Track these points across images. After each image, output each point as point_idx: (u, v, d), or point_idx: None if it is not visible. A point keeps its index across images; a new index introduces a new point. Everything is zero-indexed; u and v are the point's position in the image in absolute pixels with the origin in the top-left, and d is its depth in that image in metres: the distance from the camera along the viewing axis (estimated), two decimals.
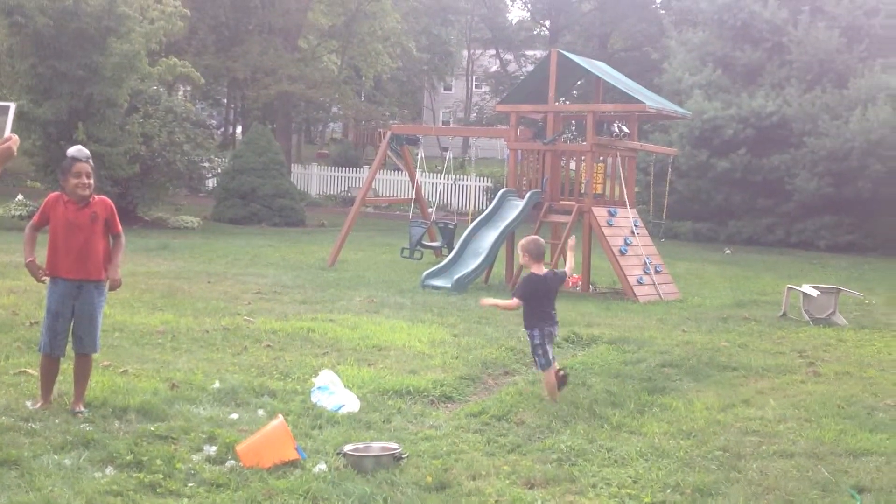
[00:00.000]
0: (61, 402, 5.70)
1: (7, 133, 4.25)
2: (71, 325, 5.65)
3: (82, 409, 5.55)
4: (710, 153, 24.73)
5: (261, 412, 5.85)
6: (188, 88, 39.29)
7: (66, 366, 5.92)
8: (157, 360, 7.16)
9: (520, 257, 6.95)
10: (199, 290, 11.32)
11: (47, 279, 5.65)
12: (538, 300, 6.64)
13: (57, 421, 5.30)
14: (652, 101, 13.99)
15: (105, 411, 5.56)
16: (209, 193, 28.23)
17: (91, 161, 5.64)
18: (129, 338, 7.91)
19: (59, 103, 19.61)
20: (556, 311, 6.78)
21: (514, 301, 6.70)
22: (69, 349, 5.70)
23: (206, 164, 24.37)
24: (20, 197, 21.86)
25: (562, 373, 6.68)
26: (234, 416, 5.72)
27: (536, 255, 6.71)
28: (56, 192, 5.75)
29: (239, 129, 45.71)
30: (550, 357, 6.62)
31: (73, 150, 5.64)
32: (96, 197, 5.69)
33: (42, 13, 19.20)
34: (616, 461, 5.25)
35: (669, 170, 17.90)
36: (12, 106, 4.39)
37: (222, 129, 47.52)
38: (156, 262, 14.01)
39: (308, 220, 25.36)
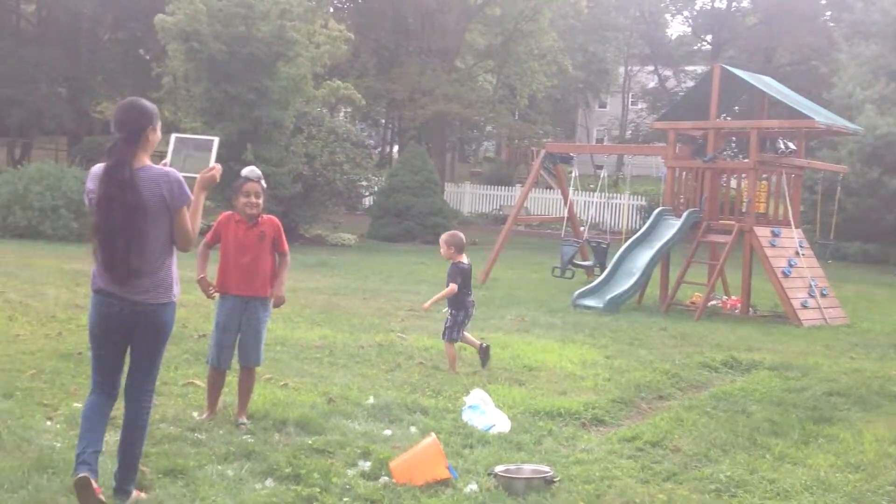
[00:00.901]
0: (226, 413, 5.94)
1: (211, 163, 4.50)
2: (237, 339, 5.88)
3: (245, 420, 5.77)
4: (882, 170, 23.50)
5: (413, 429, 5.93)
6: (349, 109, 40.50)
7: (231, 378, 6.18)
8: (315, 375, 7.37)
9: (442, 250, 8.09)
10: (354, 306, 11.61)
11: (216, 295, 5.91)
12: (465, 285, 7.92)
13: (221, 432, 5.53)
14: (821, 116, 13.42)
15: (266, 423, 5.75)
16: (366, 211, 28.95)
17: (262, 182, 5.87)
18: (289, 352, 8.18)
19: (230, 125, 20.59)
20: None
21: (453, 286, 7.79)
22: (234, 362, 5.93)
23: (364, 183, 25.01)
24: None
25: (485, 345, 8.06)
26: (388, 432, 5.81)
27: (459, 247, 7.99)
28: (228, 212, 6.02)
29: (395, 149, 46.69)
30: (462, 334, 7.94)
31: (245, 171, 5.89)
32: (265, 216, 5.91)
33: (216, 39, 20.26)
34: (779, 494, 5.02)
35: (838, 188, 17.11)
36: (216, 140, 4.67)
37: (379, 149, 48.69)
38: (315, 279, 14.45)
39: None
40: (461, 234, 8.15)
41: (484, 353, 8.03)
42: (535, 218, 28.13)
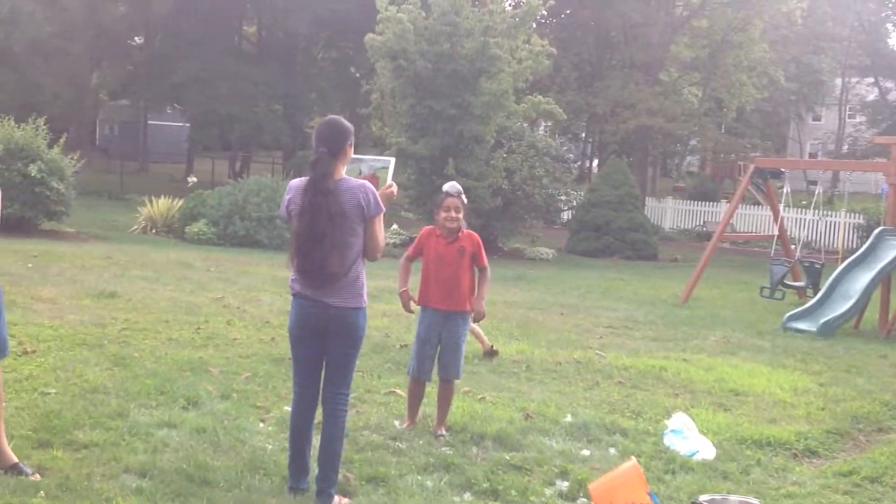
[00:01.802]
0: (425, 423, 6.03)
1: (389, 181, 4.74)
2: (437, 352, 5.97)
3: (444, 432, 5.84)
4: None
5: (612, 451, 5.80)
6: (549, 123, 40.53)
7: (431, 389, 6.27)
8: (513, 389, 7.37)
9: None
10: (552, 321, 11.54)
11: (416, 308, 6.03)
12: None
13: (420, 442, 5.62)
14: None
15: (464, 436, 5.80)
16: (564, 225, 28.82)
17: (463, 197, 5.94)
18: (487, 365, 8.23)
19: (432, 140, 21.07)
20: None
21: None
22: (434, 374, 6.02)
23: (563, 198, 24.90)
24: (395, 226, 23.73)
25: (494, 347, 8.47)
26: (586, 452, 5.72)
27: None
28: (430, 227, 6.14)
29: (595, 163, 46.30)
30: None
31: (447, 186, 5.99)
32: (465, 232, 5.98)
33: (422, 57, 20.81)
34: None
35: None
36: (392, 160, 4.97)
37: (579, 163, 48.42)
38: (512, 292, 14.49)
39: (661, 254, 25.01)
40: None
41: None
42: (741, 235, 27.05)
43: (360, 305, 4.50)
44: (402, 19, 20.94)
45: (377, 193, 4.47)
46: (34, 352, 7.01)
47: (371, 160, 5.12)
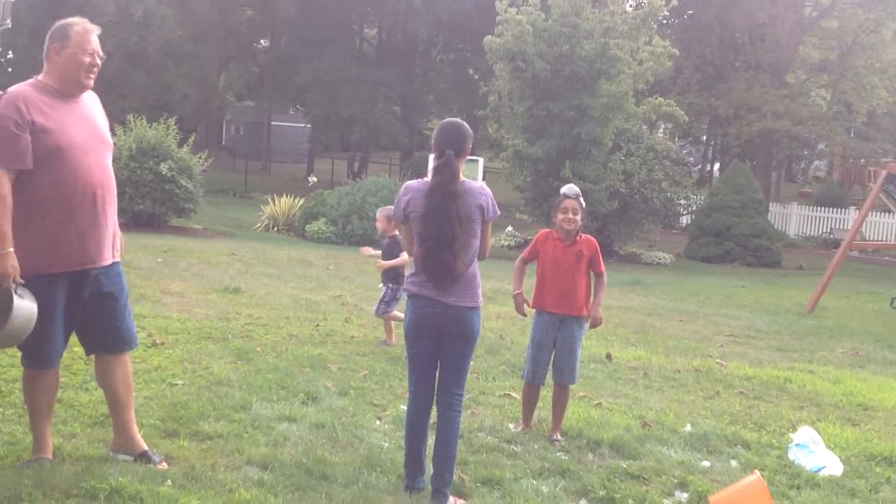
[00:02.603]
0: (540, 428, 5.98)
1: (479, 181, 4.75)
2: (552, 356, 5.92)
3: (559, 437, 5.78)
4: None
5: (734, 463, 5.64)
6: (668, 126, 39.78)
7: (546, 393, 6.23)
8: (630, 396, 7.25)
9: (381, 224, 8.07)
10: (670, 327, 11.31)
11: (530, 311, 6.00)
12: None
13: (536, 446, 5.58)
14: None
15: (580, 442, 5.73)
16: (682, 230, 28.24)
17: (581, 200, 5.87)
18: (603, 371, 8.12)
19: (549, 142, 20.95)
20: None
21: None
22: (549, 378, 5.97)
23: (682, 202, 24.40)
24: (510, 228, 23.71)
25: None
26: (706, 463, 5.57)
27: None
28: (546, 229, 6.09)
29: (717, 167, 45.20)
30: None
31: (565, 188, 5.93)
32: (583, 236, 5.91)
33: (540, 58, 20.72)
34: None
35: None
36: (480, 161, 4.97)
37: (699, 167, 47.35)
38: (629, 298, 14.28)
39: (785, 261, 24.22)
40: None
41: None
42: (871, 244, 26.00)
43: (476, 305, 4.52)
44: (521, 21, 20.90)
45: (492, 196, 4.53)
46: (163, 343, 7.28)
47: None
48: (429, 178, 4.52)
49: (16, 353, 5.78)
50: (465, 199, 4.36)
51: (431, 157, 4.93)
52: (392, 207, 7.90)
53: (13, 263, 4.00)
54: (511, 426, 5.98)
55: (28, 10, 32.34)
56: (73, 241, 4.20)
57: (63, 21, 4.33)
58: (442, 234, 4.33)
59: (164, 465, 4.48)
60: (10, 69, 36.02)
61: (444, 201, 4.33)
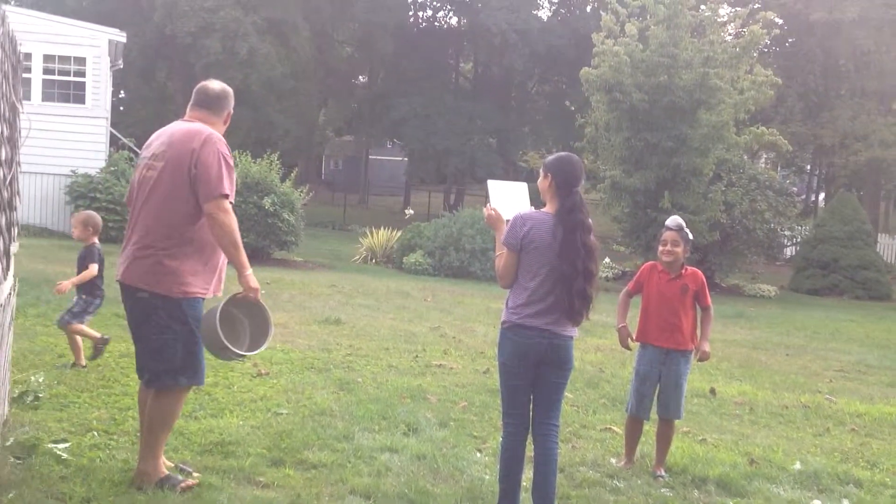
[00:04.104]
0: (643, 463, 5.88)
1: (527, 207, 4.73)
2: (656, 390, 5.83)
3: (663, 473, 5.67)
4: None
5: (845, 502, 5.44)
6: (770, 156, 38.89)
7: (649, 427, 6.12)
8: (735, 432, 7.07)
9: (77, 231, 7.39)
10: (776, 362, 11.00)
11: (633, 345, 5.92)
12: (100, 270, 7.28)
13: (639, 482, 5.48)
14: None
15: (684, 479, 5.61)
16: (786, 262, 27.49)
17: (684, 232, 5.80)
18: (707, 406, 7.94)
19: (647, 173, 20.73)
20: None
21: (94, 268, 7.22)
22: (653, 412, 5.87)
23: (787, 233, 23.79)
24: (607, 260, 23.47)
25: (105, 336, 7.34)
26: (817, 502, 5.38)
27: (96, 228, 7.34)
28: (651, 262, 6.02)
29: (822, 197, 43.96)
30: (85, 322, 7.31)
31: (669, 220, 5.88)
32: (688, 269, 5.83)
33: (638, 89, 20.57)
34: None
35: None
36: (524, 185, 4.95)
37: (803, 197, 46.11)
38: (732, 330, 13.95)
39: (895, 294, 23.32)
40: (97, 216, 7.53)
41: (102, 344, 7.27)
42: None
43: (574, 334, 4.55)
44: (619, 52, 20.80)
45: None
46: (267, 373, 7.43)
47: (510, 185, 5.04)
48: (547, 209, 4.53)
49: (129, 382, 6.00)
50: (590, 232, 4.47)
51: (491, 183, 4.90)
52: (90, 213, 7.77)
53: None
54: (613, 461, 5.90)
55: (139, 51, 33.79)
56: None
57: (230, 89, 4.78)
58: (587, 271, 4.41)
59: (186, 484, 4.50)
60: (121, 108, 37.64)
61: (586, 237, 4.42)
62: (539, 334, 4.43)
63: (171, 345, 4.42)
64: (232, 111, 4.76)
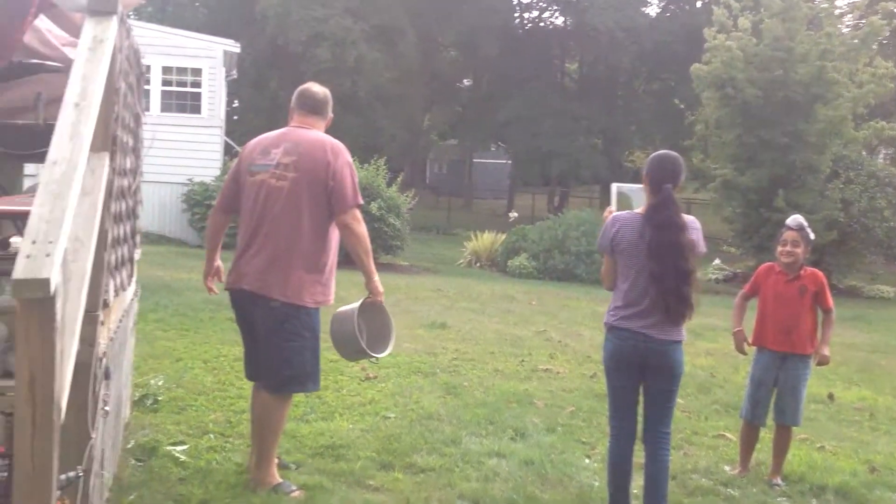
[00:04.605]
0: (757, 470, 5.72)
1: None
2: (772, 395, 5.66)
3: (780, 481, 5.50)
4: None
5: None
6: (890, 151, 37.34)
7: (765, 434, 5.95)
8: (855, 439, 6.81)
9: None
10: None
11: (749, 349, 5.76)
12: None
13: (754, 490, 5.33)
14: None
15: (802, 487, 5.44)
16: None
17: (805, 232, 5.62)
18: (825, 412, 7.69)
19: (760, 171, 20.19)
20: None
21: None
22: (770, 419, 5.70)
23: None
24: (717, 261, 22.94)
25: None
26: None
27: None
28: (768, 263, 5.86)
29: None
30: None
31: (789, 219, 5.72)
32: (808, 269, 5.65)
33: (751, 85, 20.08)
34: None
35: None
36: (640, 187, 4.77)
37: None
38: (851, 333, 13.46)
39: None
40: None
41: None
42: None
43: (680, 339, 4.40)
44: (731, 47, 20.36)
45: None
46: (375, 377, 7.53)
47: (633, 188, 4.93)
48: (639, 210, 4.47)
49: (243, 385, 6.15)
50: (688, 232, 4.31)
51: (614, 186, 4.85)
52: None
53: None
54: (727, 468, 5.75)
55: (252, 61, 34.73)
56: None
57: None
58: (679, 269, 4.26)
59: (297, 494, 4.56)
60: (235, 117, 38.73)
61: (675, 235, 4.28)
62: (633, 337, 4.36)
63: (300, 352, 4.51)
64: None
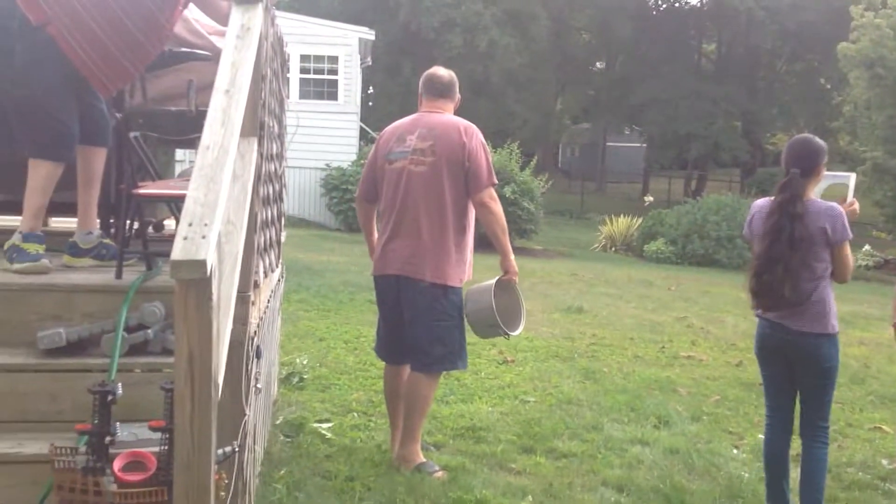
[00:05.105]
0: None
1: (849, 198, 4.45)
2: None
3: None
4: None
5: None
6: None
7: None
8: None
9: None
10: None
11: None
12: None
13: None
14: None
15: None
16: None
17: None
18: None
19: None
20: None
21: None
22: None
23: None
24: (867, 247, 21.88)
25: None
26: None
27: None
28: None
29: None
30: None
31: None
32: None
33: None
34: None
35: None
36: (852, 177, 4.64)
37: None
38: None
39: None
40: None
41: None
42: None
43: (823, 332, 4.18)
44: (881, 25, 19.37)
45: (846, 217, 4.17)
46: (513, 361, 7.50)
47: (834, 175, 4.70)
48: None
49: (383, 366, 6.23)
50: (805, 221, 4.09)
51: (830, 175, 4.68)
52: None
53: None
54: (884, 462, 5.47)
55: (385, 48, 35.18)
56: None
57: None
58: (769, 255, 4.13)
59: (440, 474, 4.53)
60: (370, 103, 39.38)
61: (780, 221, 4.12)
62: (769, 326, 4.28)
63: (450, 331, 4.62)
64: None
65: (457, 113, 4.87)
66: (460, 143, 4.54)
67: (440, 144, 4.56)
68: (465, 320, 4.77)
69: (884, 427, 6.24)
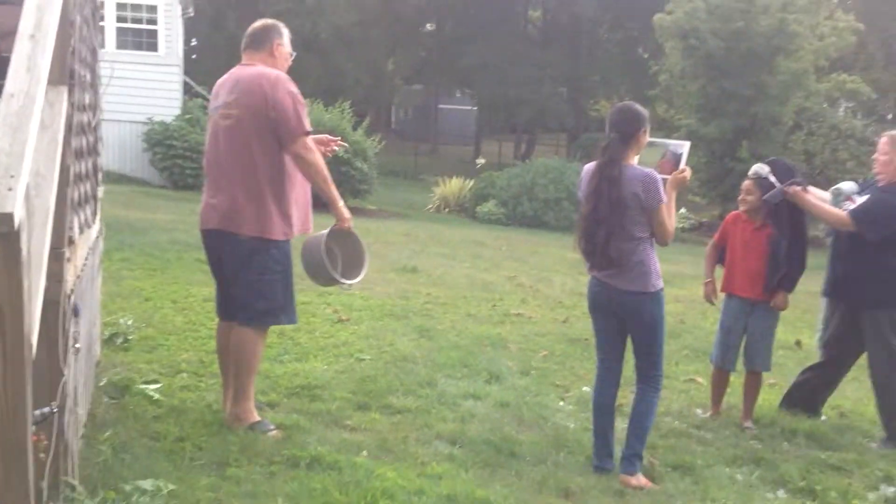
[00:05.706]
0: (729, 414, 5.79)
1: (682, 166, 4.63)
2: (742, 341, 5.70)
3: (751, 425, 5.57)
4: None
5: None
6: (851, 104, 37.74)
7: (735, 379, 6.01)
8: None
9: None
10: None
11: (718, 300, 5.79)
12: None
13: (726, 433, 5.40)
14: None
15: (773, 431, 5.51)
16: None
17: (761, 180, 5.60)
18: (793, 358, 7.80)
19: (724, 122, 20.28)
20: None
21: None
22: (740, 364, 5.76)
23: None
24: (683, 210, 23.09)
25: None
26: None
27: None
28: (735, 211, 5.86)
29: None
30: None
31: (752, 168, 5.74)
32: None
33: (714, 35, 20.08)
34: None
35: None
36: (687, 145, 4.83)
37: None
38: (816, 282, 13.56)
39: None
40: None
41: None
42: None
43: (645, 290, 4.38)
44: None
45: (660, 182, 4.33)
46: (348, 320, 7.48)
47: (667, 143, 4.93)
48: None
49: (214, 326, 6.08)
50: (620, 184, 4.27)
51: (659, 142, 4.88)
52: None
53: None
54: (699, 412, 5.82)
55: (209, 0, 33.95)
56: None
57: (276, 22, 4.76)
58: (595, 217, 4.33)
59: (275, 433, 4.52)
60: (193, 55, 37.97)
61: (599, 184, 4.33)
62: (598, 284, 4.54)
63: (271, 285, 4.50)
64: (284, 44, 4.69)
65: (289, 69, 4.73)
66: (261, 94, 4.38)
67: (244, 97, 4.42)
68: (304, 273, 4.73)
69: (697, 378, 6.63)
